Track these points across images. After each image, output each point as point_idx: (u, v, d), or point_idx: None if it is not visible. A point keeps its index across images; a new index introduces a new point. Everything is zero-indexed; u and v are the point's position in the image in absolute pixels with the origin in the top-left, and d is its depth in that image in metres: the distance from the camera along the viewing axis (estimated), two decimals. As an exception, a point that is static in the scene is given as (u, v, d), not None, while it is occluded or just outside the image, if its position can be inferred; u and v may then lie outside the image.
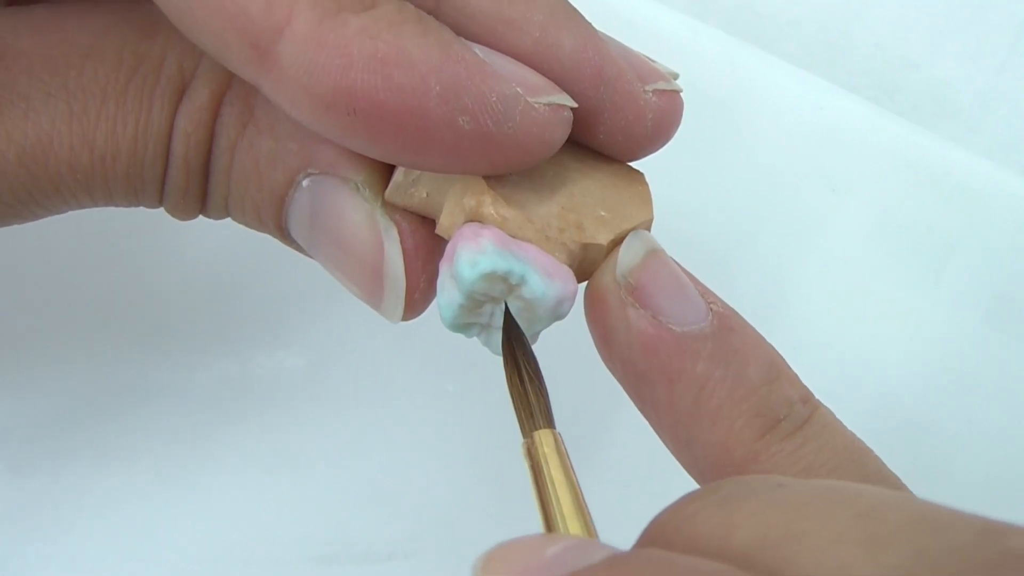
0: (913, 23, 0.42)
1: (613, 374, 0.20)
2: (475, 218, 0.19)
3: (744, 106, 0.37)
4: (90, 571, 0.27)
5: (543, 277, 0.19)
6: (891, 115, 0.38)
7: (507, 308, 0.20)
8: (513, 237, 0.19)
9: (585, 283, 0.20)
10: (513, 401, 0.19)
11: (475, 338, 0.20)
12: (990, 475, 0.33)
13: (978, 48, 0.42)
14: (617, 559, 0.14)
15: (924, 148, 0.37)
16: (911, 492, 0.19)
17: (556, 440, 0.18)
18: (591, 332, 0.20)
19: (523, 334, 0.20)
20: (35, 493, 0.28)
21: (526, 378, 0.19)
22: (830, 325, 0.34)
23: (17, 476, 0.28)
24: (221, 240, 0.32)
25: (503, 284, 0.19)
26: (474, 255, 0.18)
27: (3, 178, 0.19)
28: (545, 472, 0.18)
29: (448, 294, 0.19)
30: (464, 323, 0.20)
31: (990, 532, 0.13)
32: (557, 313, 0.19)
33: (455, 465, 0.30)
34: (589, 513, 0.17)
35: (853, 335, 0.34)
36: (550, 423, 0.19)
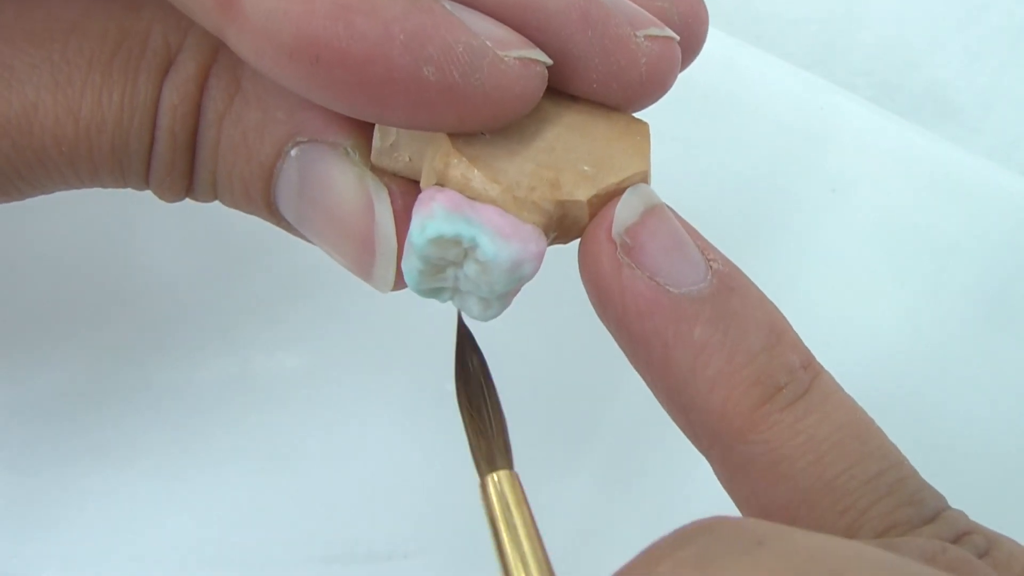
0: (913, 23, 0.42)
1: (609, 333, 0.20)
2: (442, 179, 0.19)
3: (744, 106, 0.37)
4: (90, 570, 0.27)
5: (495, 238, 0.18)
6: (891, 115, 0.38)
7: (460, 320, 0.19)
8: (476, 199, 0.18)
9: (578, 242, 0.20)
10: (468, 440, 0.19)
11: (448, 302, 0.20)
12: (990, 475, 0.33)
13: (978, 48, 0.42)
14: None
15: (924, 148, 0.37)
16: (912, 468, 0.18)
17: (509, 483, 0.18)
18: (586, 292, 0.20)
19: (471, 352, 0.19)
20: (35, 492, 0.28)
21: (466, 416, 0.19)
22: (829, 324, 0.34)
23: (17, 475, 0.28)
24: (222, 240, 0.32)
25: (456, 248, 0.19)
26: (423, 220, 0.18)
27: None
28: (498, 521, 0.17)
29: (408, 260, 0.19)
30: (430, 288, 0.20)
31: None
32: (517, 275, 0.19)
33: (455, 465, 0.30)
34: (544, 554, 0.17)
35: (852, 335, 0.34)
36: (493, 466, 0.18)
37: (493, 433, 0.19)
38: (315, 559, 0.28)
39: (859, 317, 0.34)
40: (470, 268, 0.19)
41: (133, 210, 0.32)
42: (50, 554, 0.27)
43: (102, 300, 0.30)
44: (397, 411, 0.31)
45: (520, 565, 0.17)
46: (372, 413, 0.30)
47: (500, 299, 0.20)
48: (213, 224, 0.31)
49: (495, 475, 0.18)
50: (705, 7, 0.21)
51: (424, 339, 0.32)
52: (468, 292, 0.20)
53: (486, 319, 0.20)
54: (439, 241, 0.18)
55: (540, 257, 0.19)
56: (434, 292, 0.20)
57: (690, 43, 0.21)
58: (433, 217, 0.18)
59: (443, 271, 0.19)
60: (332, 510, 0.29)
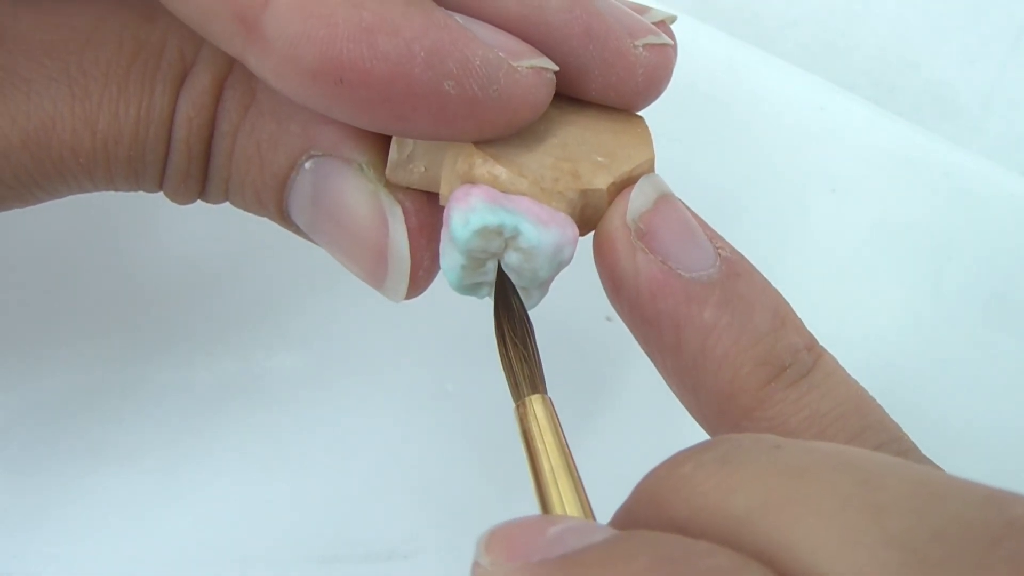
0: (913, 23, 0.42)
1: (621, 317, 0.20)
2: (468, 180, 0.19)
3: (744, 106, 0.37)
4: (90, 571, 0.27)
5: (537, 225, 0.19)
6: (891, 115, 0.38)
7: (500, 269, 0.20)
8: (507, 193, 0.19)
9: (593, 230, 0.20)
10: (503, 369, 0.19)
11: (487, 298, 0.21)
12: (989, 475, 0.32)
13: (978, 48, 0.42)
14: (617, 539, 0.14)
15: (924, 148, 0.37)
16: (911, 442, 0.19)
17: (544, 407, 0.18)
18: (600, 276, 0.20)
19: (513, 294, 0.20)
20: (35, 493, 0.28)
21: (509, 344, 0.19)
22: (829, 325, 0.33)
23: (18, 475, 0.28)
24: (222, 239, 0.32)
25: (499, 238, 0.19)
26: (465, 214, 0.19)
27: (7, 161, 0.20)
28: (535, 438, 0.18)
29: (449, 257, 0.20)
30: (470, 284, 0.20)
31: (993, 501, 0.13)
32: (558, 259, 0.19)
33: (455, 465, 0.30)
34: (576, 470, 0.18)
35: (852, 335, 0.34)
36: (535, 389, 0.19)
37: (534, 362, 0.19)
38: (314, 559, 0.28)
39: (858, 317, 0.34)
40: (512, 258, 0.19)
41: (133, 211, 0.32)
42: (50, 554, 0.27)
43: (102, 301, 0.30)
44: (397, 411, 0.31)
45: (553, 477, 0.18)
46: (372, 413, 0.30)
47: (540, 287, 0.20)
48: (213, 225, 0.31)
49: (534, 398, 0.19)
50: (674, 56, 0.21)
51: (424, 340, 0.32)
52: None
53: (528, 309, 0.20)
54: (483, 232, 0.19)
55: (576, 242, 0.19)
56: (474, 288, 0.20)
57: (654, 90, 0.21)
58: (474, 210, 0.19)
59: (483, 265, 0.20)
60: (332, 510, 0.29)
